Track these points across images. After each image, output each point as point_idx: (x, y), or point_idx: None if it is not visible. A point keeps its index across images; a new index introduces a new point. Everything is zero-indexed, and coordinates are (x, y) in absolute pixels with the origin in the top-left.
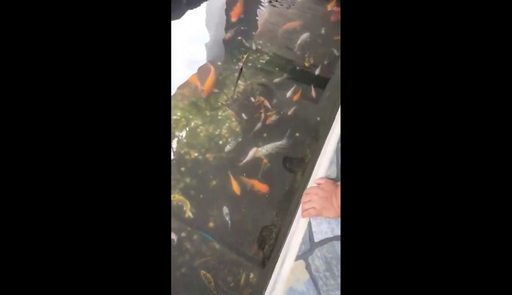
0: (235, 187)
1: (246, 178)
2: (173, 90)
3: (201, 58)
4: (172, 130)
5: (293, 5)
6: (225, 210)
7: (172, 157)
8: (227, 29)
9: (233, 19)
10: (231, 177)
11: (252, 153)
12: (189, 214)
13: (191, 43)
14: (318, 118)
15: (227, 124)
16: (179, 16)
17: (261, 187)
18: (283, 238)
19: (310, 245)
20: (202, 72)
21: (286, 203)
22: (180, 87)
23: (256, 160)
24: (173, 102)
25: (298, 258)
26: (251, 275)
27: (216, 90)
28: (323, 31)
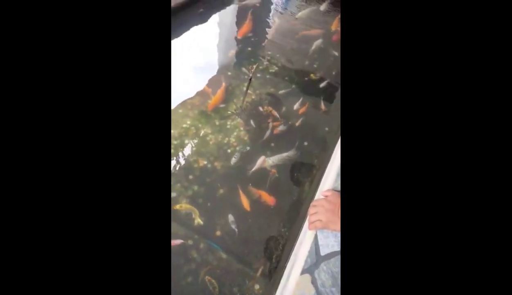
0: (245, 202)
1: (254, 188)
2: (183, 99)
3: (212, 68)
4: (182, 138)
5: (301, 15)
6: (231, 217)
7: (181, 164)
8: (236, 41)
9: (239, 36)
10: (240, 191)
11: (260, 161)
12: (198, 220)
13: (203, 53)
14: (327, 129)
15: (235, 133)
16: (190, 26)
17: (268, 198)
18: (290, 250)
19: (316, 259)
20: (213, 83)
21: (293, 214)
22: (191, 97)
23: (264, 169)
24: (183, 111)
25: (304, 271)
26: (257, 286)
27: (222, 105)
28: (330, 45)
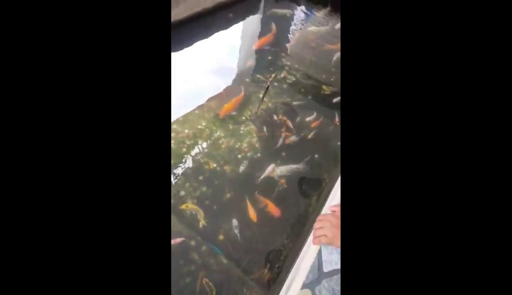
0: (252, 214)
1: (261, 196)
2: (201, 101)
3: (232, 73)
4: (196, 139)
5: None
6: (235, 222)
7: (192, 164)
8: (257, 49)
9: (260, 45)
10: (248, 202)
11: (269, 170)
12: (203, 222)
13: (226, 57)
14: (339, 143)
15: (247, 139)
16: (217, 30)
17: (273, 209)
18: (291, 263)
19: (318, 275)
20: (231, 89)
21: (298, 227)
22: (210, 99)
23: (272, 178)
24: (199, 112)
25: (304, 286)
26: None
27: (234, 113)
28: None
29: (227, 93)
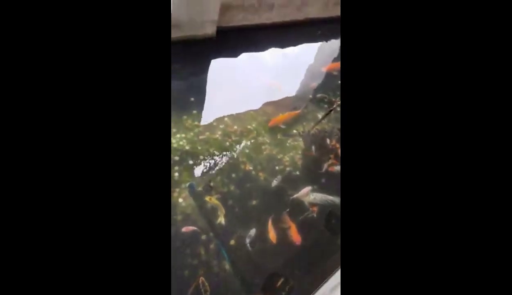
0: (272, 235)
1: (287, 216)
2: (260, 104)
3: (295, 87)
4: (241, 137)
5: None
6: (252, 232)
7: (230, 161)
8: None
9: (324, 70)
10: (270, 223)
11: (304, 192)
12: (221, 219)
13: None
14: None
15: (291, 154)
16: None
17: (295, 235)
18: None
19: None
20: (290, 101)
21: (317, 262)
22: (267, 104)
23: (303, 202)
24: (254, 113)
25: None
26: None
27: (283, 126)
28: None
29: (284, 105)
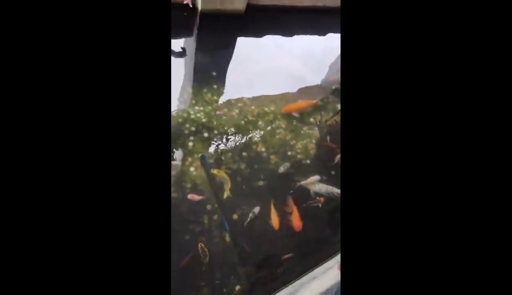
0: (274, 220)
1: (292, 201)
2: (283, 90)
3: (320, 77)
4: (258, 119)
5: None
6: (255, 210)
7: (243, 140)
8: None
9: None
10: (272, 208)
11: (311, 179)
12: (228, 193)
13: (320, 60)
14: None
15: (304, 141)
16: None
17: (296, 221)
18: (288, 280)
19: None
20: (310, 90)
21: (311, 251)
22: (288, 89)
23: (309, 190)
24: (272, 97)
25: None
26: (237, 288)
27: (295, 114)
28: None
29: (306, 93)
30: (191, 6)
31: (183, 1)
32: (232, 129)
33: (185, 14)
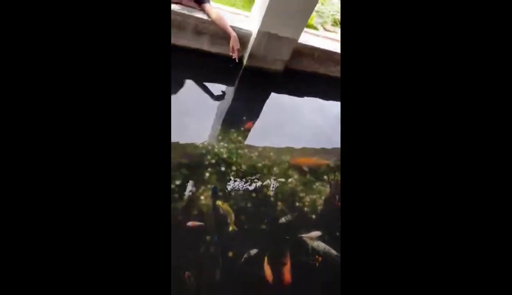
0: (268, 274)
1: (288, 255)
2: (297, 144)
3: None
4: (274, 165)
5: None
6: (252, 252)
7: (255, 181)
8: None
9: None
10: (266, 263)
11: (313, 234)
12: (233, 227)
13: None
14: None
15: (314, 197)
16: None
17: (287, 274)
18: None
19: None
20: (327, 151)
21: None
22: (310, 146)
23: (308, 245)
24: (292, 149)
25: None
26: None
27: (305, 169)
28: None
29: (327, 153)
30: (237, 61)
31: (232, 56)
32: (248, 170)
33: (231, 65)
